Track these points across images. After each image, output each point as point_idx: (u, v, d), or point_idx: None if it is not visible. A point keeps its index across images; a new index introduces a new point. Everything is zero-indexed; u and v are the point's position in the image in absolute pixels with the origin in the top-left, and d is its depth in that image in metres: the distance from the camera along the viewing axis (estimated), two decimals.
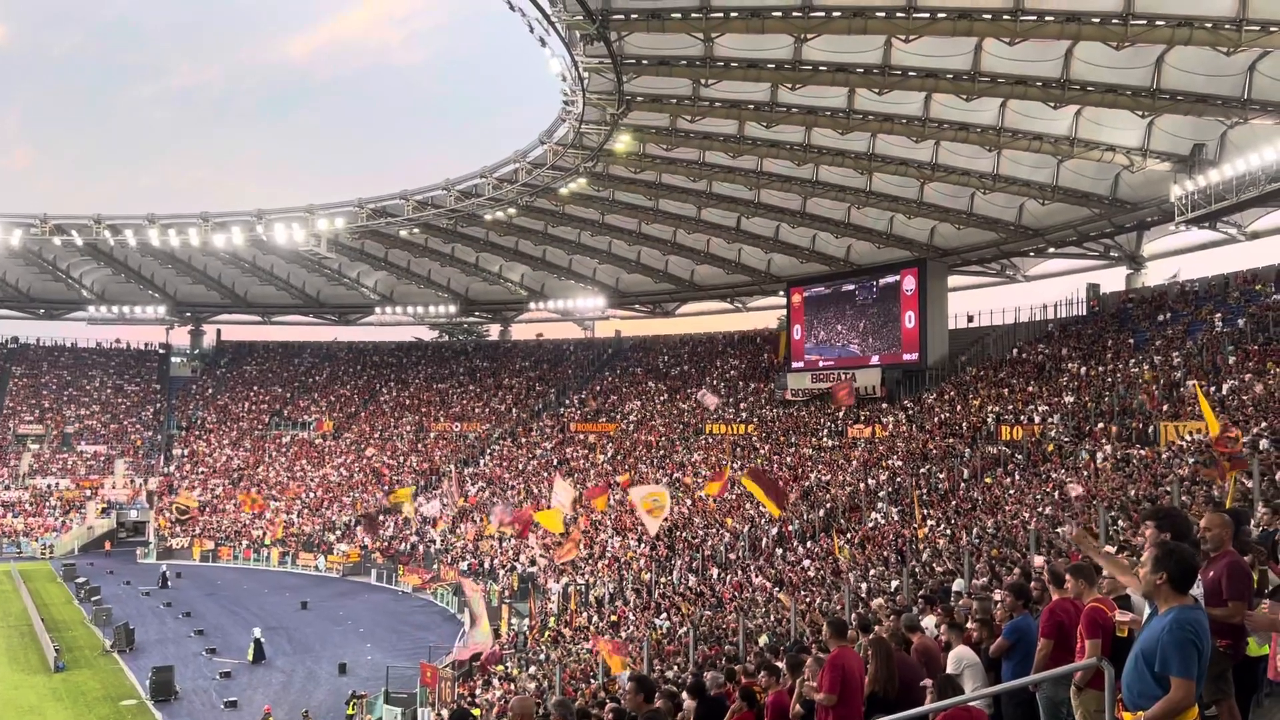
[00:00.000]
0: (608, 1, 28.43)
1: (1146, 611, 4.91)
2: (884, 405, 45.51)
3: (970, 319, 49.70)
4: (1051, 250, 45.39)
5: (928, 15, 27.22)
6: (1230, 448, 19.22)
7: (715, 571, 34.82)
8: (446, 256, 62.11)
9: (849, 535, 32.30)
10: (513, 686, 26.76)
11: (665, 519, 35.48)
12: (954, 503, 31.36)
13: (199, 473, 66.24)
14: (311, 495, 61.57)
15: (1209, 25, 25.19)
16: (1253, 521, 10.75)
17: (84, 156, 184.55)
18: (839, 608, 21.58)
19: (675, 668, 21.90)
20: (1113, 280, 45.26)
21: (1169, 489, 20.88)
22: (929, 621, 10.72)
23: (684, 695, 10.41)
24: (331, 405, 71.50)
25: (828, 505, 36.51)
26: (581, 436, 57.36)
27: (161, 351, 78.56)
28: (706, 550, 37.02)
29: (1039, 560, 18.56)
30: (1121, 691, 4.74)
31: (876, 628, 10.21)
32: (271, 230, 53.51)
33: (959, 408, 40.34)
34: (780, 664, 10.50)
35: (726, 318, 64.81)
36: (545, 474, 52.62)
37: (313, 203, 53.66)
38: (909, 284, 46.53)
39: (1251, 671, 6.07)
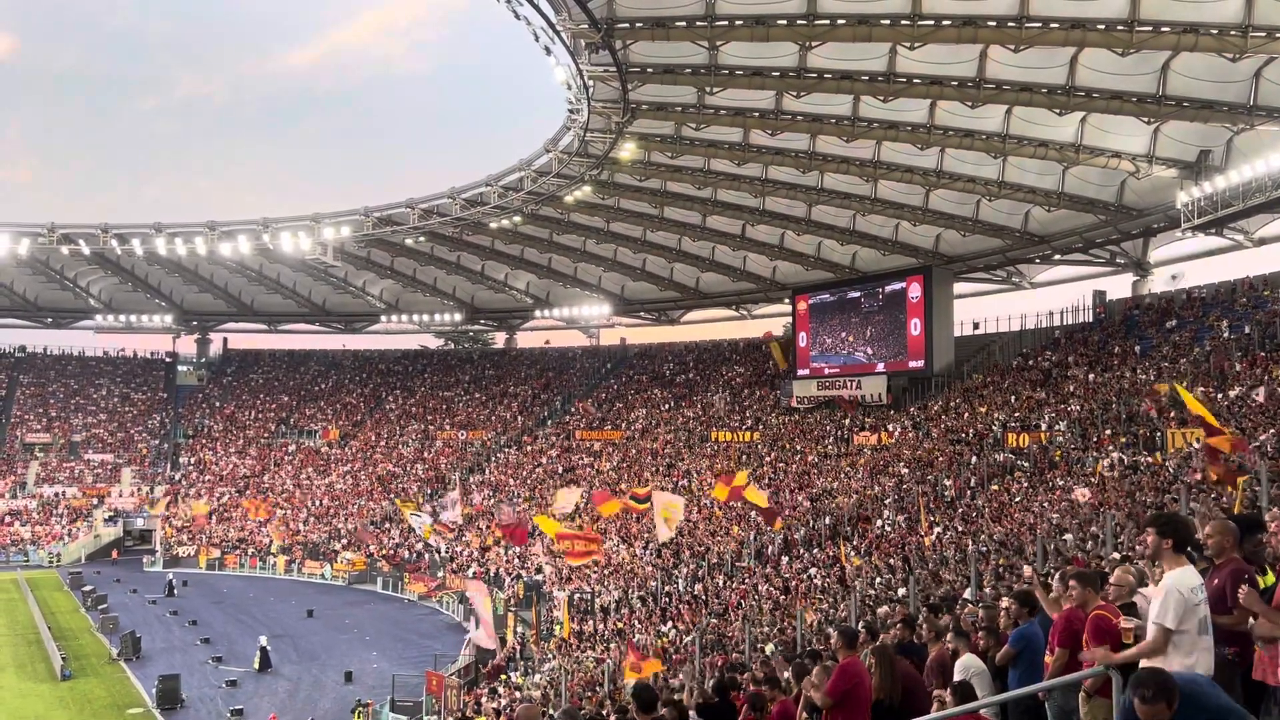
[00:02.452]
0: (612, 10, 28.51)
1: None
2: (890, 412, 45.44)
3: (976, 326, 49.66)
4: (1057, 257, 45.31)
5: (932, 23, 27.25)
6: (1223, 446, 19.07)
7: (721, 579, 34.76)
8: (452, 265, 62.25)
9: (855, 543, 32.24)
10: (519, 695, 26.73)
11: (678, 528, 35.74)
12: (960, 510, 31.28)
13: (205, 481, 66.35)
14: (317, 504, 61.62)
15: (1214, 31, 25.18)
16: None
17: (88, 168, 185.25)
18: (844, 615, 21.52)
19: (681, 675, 21.85)
20: (1119, 287, 45.25)
21: (1176, 495, 20.81)
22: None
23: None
24: (338, 413, 71.62)
25: (834, 513, 36.44)
26: (587, 444, 57.35)
27: (168, 360, 78.82)
28: (712, 558, 36.97)
29: (1028, 570, 18.49)
30: None
31: (883, 635, 10.20)
32: (278, 239, 53.68)
33: (965, 415, 40.26)
34: (786, 673, 10.48)
35: (732, 325, 64.74)
36: (551, 481, 52.63)
37: (318, 211, 53.87)
38: (915, 291, 46.47)
39: (1260, 679, 6.02)
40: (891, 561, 28.41)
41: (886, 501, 35.16)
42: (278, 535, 57.42)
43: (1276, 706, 5.47)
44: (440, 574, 48.99)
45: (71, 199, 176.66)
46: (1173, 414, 29.85)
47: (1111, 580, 7.04)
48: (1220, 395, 28.88)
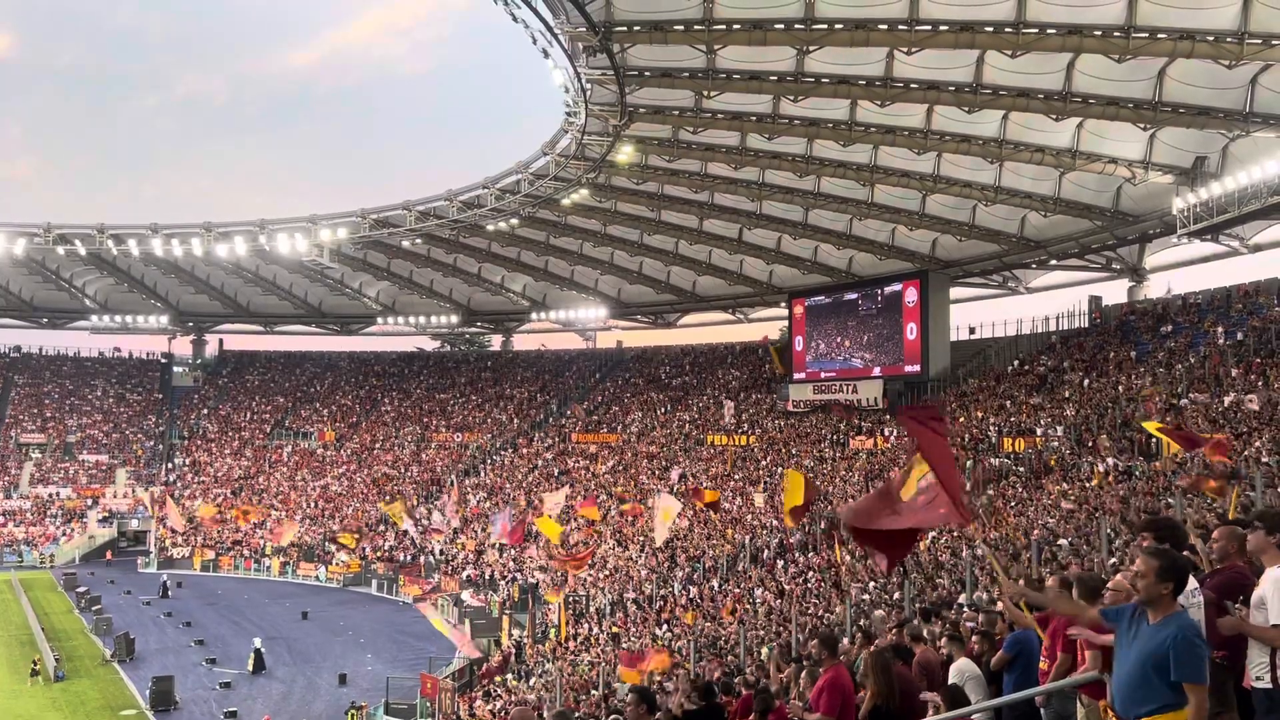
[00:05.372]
0: (610, 14, 28.52)
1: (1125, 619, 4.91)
2: (886, 417, 45.46)
3: (972, 331, 49.68)
4: (1053, 262, 45.38)
5: (929, 28, 27.29)
6: (1219, 453, 19.12)
7: (716, 583, 34.75)
8: (449, 267, 62.20)
9: (850, 547, 32.20)
10: (513, 698, 26.71)
11: (671, 529, 35.94)
12: None
13: (200, 482, 66.22)
14: (313, 505, 61.51)
15: (1210, 38, 25.25)
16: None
17: (87, 166, 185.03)
18: (839, 619, 21.52)
19: (674, 679, 21.82)
20: (1114, 292, 45.33)
21: (1171, 501, 20.84)
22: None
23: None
24: (333, 415, 71.50)
25: (830, 517, 36.41)
26: (582, 447, 57.31)
27: (164, 361, 78.65)
28: (708, 561, 36.95)
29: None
30: (1115, 700, 4.78)
31: (878, 640, 10.20)
32: (274, 240, 53.62)
33: (961, 419, 40.27)
34: (784, 673, 10.48)
35: (728, 329, 64.83)
36: (546, 484, 52.58)
37: (315, 213, 53.83)
38: (911, 295, 46.52)
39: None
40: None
41: None
42: (278, 534, 57.06)
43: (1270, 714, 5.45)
44: (435, 577, 48.93)
45: (71, 197, 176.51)
46: (1169, 417, 29.88)
47: (1109, 585, 7.04)
48: (1215, 401, 28.92)
